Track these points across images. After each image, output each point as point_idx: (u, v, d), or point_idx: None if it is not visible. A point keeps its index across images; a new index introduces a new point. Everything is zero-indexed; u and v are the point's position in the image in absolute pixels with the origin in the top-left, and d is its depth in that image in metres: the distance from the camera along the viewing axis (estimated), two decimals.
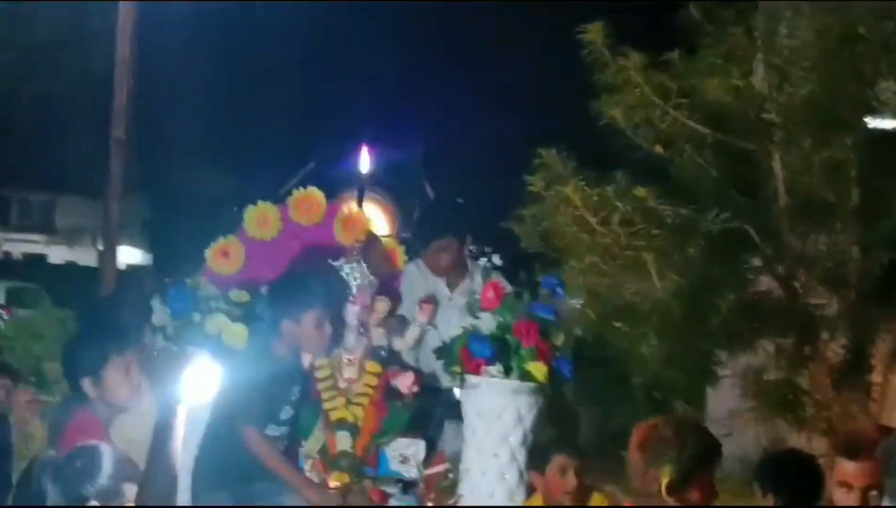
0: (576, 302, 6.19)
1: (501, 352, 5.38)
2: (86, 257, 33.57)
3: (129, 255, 34.21)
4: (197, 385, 3.64)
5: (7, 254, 33.99)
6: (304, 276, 5.61)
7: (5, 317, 15.19)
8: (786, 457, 5.08)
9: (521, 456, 5.34)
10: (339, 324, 5.57)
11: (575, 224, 6.56)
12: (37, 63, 15.49)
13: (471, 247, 6.24)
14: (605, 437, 9.28)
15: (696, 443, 4.21)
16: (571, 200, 6.47)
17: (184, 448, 4.73)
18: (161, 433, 3.58)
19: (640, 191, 6.27)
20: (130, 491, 3.83)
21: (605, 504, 5.13)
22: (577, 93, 6.73)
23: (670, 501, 4.09)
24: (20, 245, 37.10)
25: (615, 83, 6.53)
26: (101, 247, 12.71)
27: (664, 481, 4.06)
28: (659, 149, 6.58)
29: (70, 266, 30.63)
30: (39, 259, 34.37)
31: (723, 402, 7.56)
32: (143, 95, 11.49)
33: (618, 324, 6.36)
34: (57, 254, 36.80)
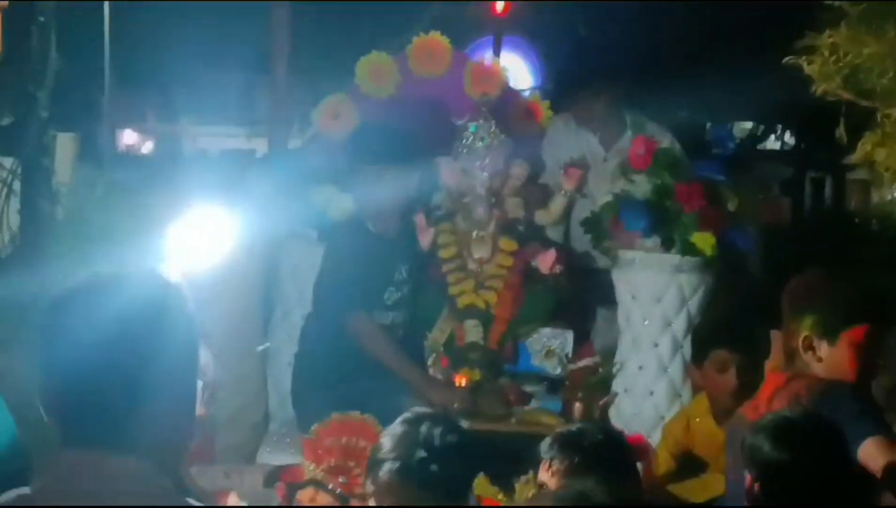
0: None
1: (660, 221, 4.98)
2: None
3: None
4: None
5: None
6: (383, 124, 5.11)
7: None
8: None
9: (687, 346, 4.81)
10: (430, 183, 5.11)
11: None
12: None
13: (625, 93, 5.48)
14: None
15: (849, 291, 3.77)
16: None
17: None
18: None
19: None
20: None
21: None
22: None
23: (812, 360, 3.61)
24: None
25: None
26: None
27: (803, 334, 3.64)
28: None
29: None
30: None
31: None
32: None
33: None
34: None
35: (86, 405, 2.04)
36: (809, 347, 3.64)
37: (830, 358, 3.65)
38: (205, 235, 4.38)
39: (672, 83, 6.08)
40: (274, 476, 4.28)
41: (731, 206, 4.96)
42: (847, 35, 5.46)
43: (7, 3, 7.54)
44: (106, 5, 6.53)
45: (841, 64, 5.54)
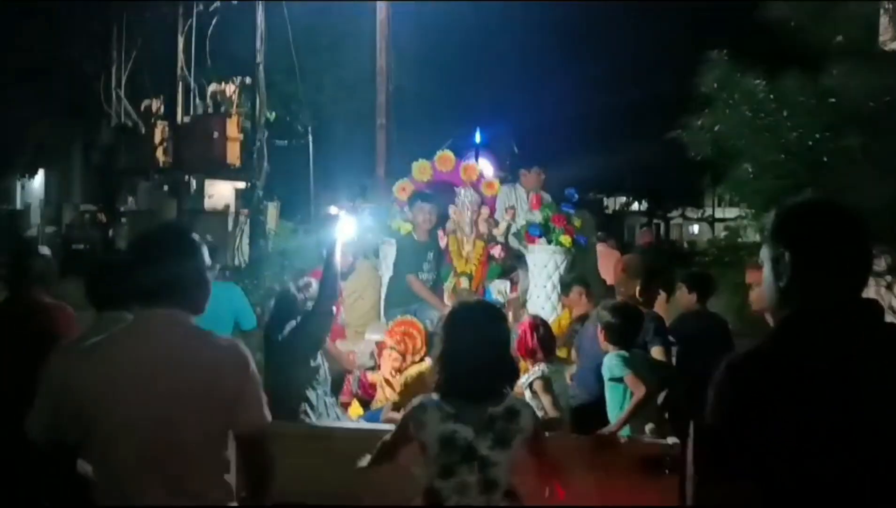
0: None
1: (546, 232, 8.94)
2: None
3: None
4: (343, 231, 7.16)
5: None
6: (417, 195, 9.36)
7: None
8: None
9: (559, 288, 8.81)
10: (441, 218, 9.25)
11: (752, 123, 7.16)
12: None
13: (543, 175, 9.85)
14: None
15: (655, 268, 7.54)
16: (752, 96, 7.26)
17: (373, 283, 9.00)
18: (329, 257, 6.94)
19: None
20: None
21: None
22: None
23: (640, 299, 7.07)
24: None
25: None
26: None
27: (638, 287, 7.13)
28: None
29: None
30: None
31: None
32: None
33: None
34: None
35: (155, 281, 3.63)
36: (641, 293, 6.93)
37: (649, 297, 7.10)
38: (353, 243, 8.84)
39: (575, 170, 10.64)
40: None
41: (578, 224, 8.89)
42: (716, 112, 8.40)
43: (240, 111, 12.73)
44: (311, 144, 11.70)
45: (709, 134, 8.60)
